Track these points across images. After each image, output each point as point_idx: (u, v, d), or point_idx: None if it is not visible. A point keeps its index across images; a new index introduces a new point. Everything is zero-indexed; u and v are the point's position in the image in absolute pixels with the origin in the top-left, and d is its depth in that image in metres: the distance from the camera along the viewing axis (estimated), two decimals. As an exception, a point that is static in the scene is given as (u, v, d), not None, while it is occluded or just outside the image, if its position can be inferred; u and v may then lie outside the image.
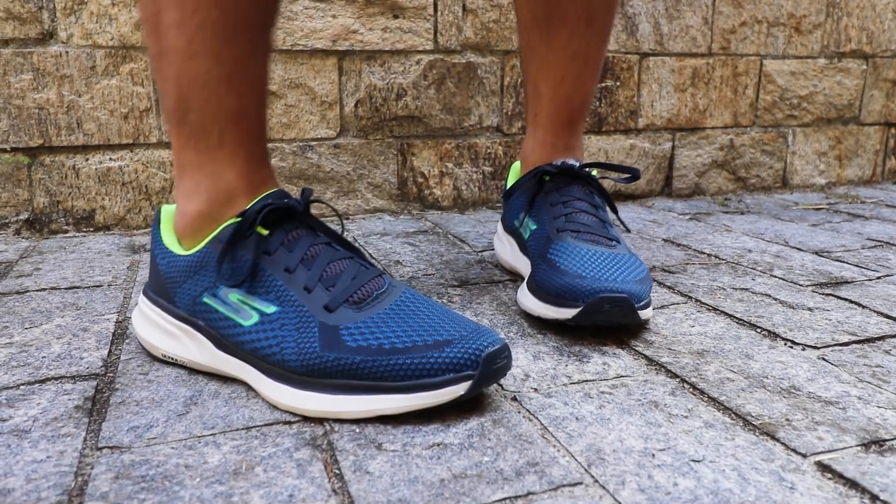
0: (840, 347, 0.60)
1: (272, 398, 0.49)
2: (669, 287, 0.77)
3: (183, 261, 0.54)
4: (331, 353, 0.47)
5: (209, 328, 0.52)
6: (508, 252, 0.80)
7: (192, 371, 0.54)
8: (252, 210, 0.51)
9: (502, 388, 0.52)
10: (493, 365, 0.47)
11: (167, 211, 0.58)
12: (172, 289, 0.54)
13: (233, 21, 0.50)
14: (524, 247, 0.75)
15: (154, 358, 0.57)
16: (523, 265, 0.75)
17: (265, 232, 0.52)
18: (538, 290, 0.63)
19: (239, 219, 0.51)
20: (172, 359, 0.55)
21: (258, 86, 0.54)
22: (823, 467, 0.42)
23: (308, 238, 0.52)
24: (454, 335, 0.47)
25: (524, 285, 0.67)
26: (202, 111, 0.52)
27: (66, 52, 0.96)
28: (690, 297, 0.73)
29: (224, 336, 0.52)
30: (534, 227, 0.72)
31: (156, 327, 0.56)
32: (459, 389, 0.46)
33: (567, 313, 0.60)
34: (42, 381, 0.52)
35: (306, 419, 0.47)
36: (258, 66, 0.53)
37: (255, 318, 0.50)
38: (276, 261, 0.51)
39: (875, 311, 0.69)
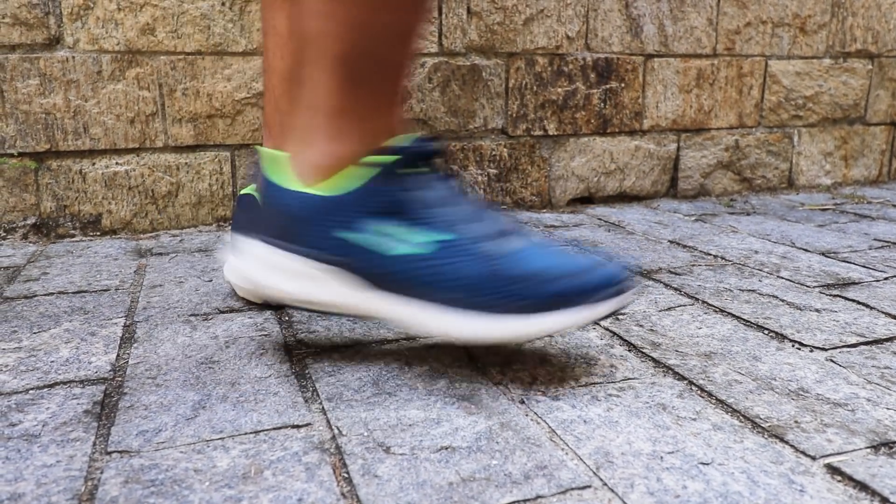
0: (848, 349, 0.60)
1: (439, 327, 0.51)
2: (676, 289, 0.77)
3: (329, 201, 0.53)
4: (502, 279, 0.51)
5: (363, 266, 0.53)
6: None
7: (200, 374, 0.55)
8: (415, 148, 0.53)
9: (509, 390, 0.52)
10: (626, 284, 0.53)
11: (273, 155, 0.57)
12: (310, 230, 0.54)
13: None
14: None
15: (268, 306, 0.56)
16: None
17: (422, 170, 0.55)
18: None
19: (397, 157, 0.53)
20: (307, 303, 0.54)
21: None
22: (833, 470, 0.42)
23: (451, 178, 0.56)
24: (593, 262, 0.52)
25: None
26: (383, 61, 0.53)
27: (73, 57, 0.96)
28: (697, 299, 0.73)
29: (384, 272, 0.52)
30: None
31: (283, 272, 0.54)
32: (612, 304, 0.51)
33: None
34: (51, 386, 0.53)
35: (314, 423, 0.47)
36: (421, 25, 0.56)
37: (423, 248, 0.52)
38: (437, 196, 0.53)
39: (883, 313, 0.69)
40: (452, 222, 0.53)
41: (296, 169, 0.56)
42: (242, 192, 0.70)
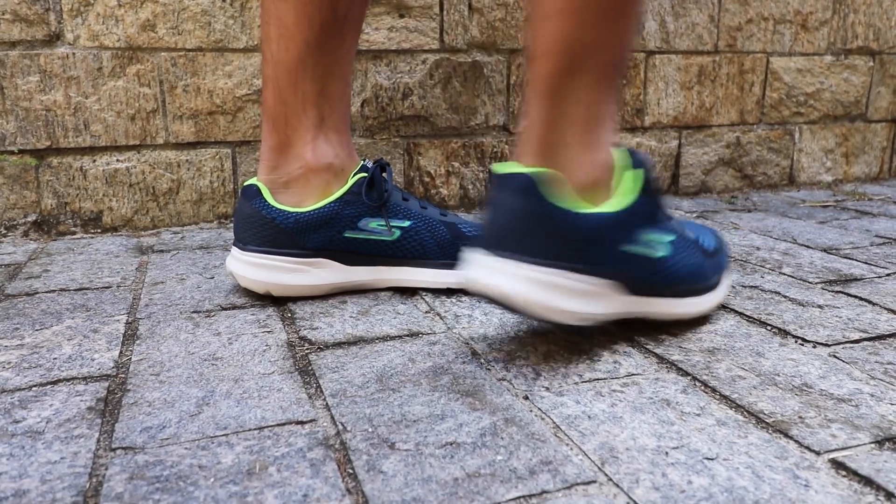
0: (851, 345, 0.60)
1: (680, 314, 0.63)
2: (678, 285, 0.77)
3: (615, 217, 0.56)
4: (704, 265, 0.63)
5: (639, 274, 0.58)
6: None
7: (204, 371, 0.54)
8: (648, 160, 0.61)
9: (513, 385, 0.52)
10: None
11: (548, 176, 0.55)
12: (599, 248, 0.55)
13: None
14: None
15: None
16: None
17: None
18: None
19: (648, 168, 0.59)
20: (586, 319, 0.56)
21: None
22: (837, 465, 0.42)
23: None
24: (718, 239, 0.70)
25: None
26: (623, 60, 0.57)
27: (73, 54, 0.96)
28: (700, 295, 0.73)
29: (648, 276, 0.59)
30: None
31: (565, 291, 0.54)
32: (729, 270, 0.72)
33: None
34: (54, 383, 0.53)
35: (318, 419, 0.47)
36: None
37: (667, 249, 0.59)
38: (663, 199, 0.62)
39: (885, 309, 0.69)
40: (671, 222, 0.61)
41: (568, 186, 0.56)
42: (247, 182, 0.71)
